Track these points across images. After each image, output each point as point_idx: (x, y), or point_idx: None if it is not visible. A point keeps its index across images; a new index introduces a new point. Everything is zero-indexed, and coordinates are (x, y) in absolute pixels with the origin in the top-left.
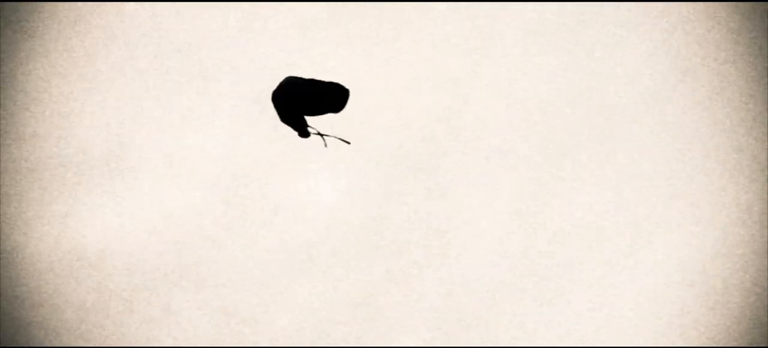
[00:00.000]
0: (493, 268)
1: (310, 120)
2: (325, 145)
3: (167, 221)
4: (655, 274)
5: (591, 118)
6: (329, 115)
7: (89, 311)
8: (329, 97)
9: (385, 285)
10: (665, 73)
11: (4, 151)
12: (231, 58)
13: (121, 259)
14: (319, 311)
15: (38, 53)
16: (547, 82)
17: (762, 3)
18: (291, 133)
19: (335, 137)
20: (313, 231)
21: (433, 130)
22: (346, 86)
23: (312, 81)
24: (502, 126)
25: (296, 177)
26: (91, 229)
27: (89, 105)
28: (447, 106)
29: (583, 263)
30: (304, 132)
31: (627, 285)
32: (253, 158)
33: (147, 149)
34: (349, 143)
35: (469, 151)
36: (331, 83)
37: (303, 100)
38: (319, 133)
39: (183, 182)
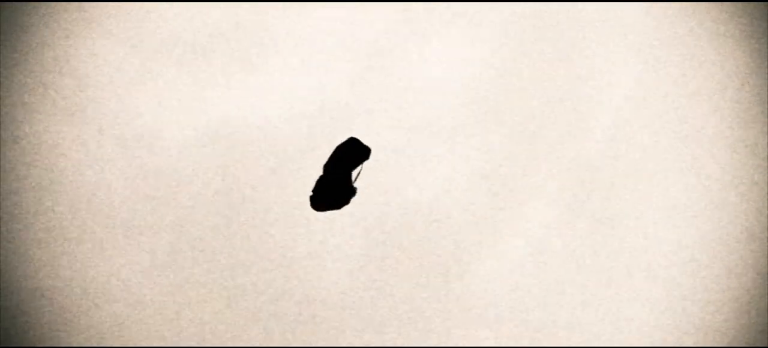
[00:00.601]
0: (617, 140)
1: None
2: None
3: (298, 99)
4: None
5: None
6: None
7: (226, 188)
8: (349, 153)
9: (514, 156)
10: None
11: (137, 34)
12: None
13: (253, 137)
14: (451, 181)
15: None
16: None
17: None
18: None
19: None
20: (441, 105)
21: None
22: (347, 138)
23: (326, 166)
24: None
25: (424, 54)
26: (224, 109)
27: None
28: None
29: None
30: (353, 192)
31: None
32: (381, 36)
33: (277, 29)
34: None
35: (594, 25)
36: (339, 147)
37: (335, 186)
38: (358, 174)
39: (312, 61)
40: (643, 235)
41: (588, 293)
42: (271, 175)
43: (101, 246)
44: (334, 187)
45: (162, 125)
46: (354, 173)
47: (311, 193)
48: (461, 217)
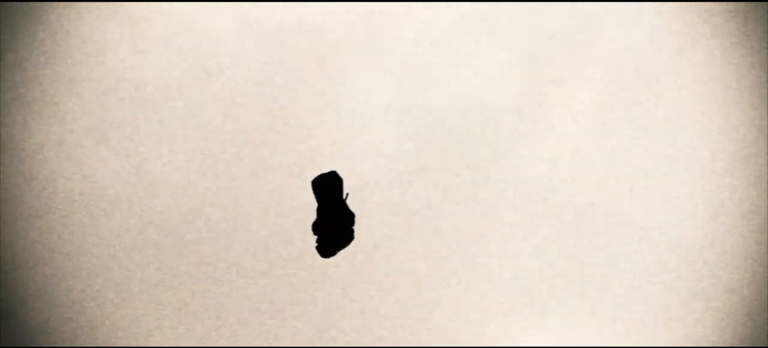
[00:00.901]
0: (662, 28)
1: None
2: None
3: None
4: None
5: None
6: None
7: (264, 85)
8: (326, 190)
9: (555, 46)
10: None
11: None
12: None
13: (296, 30)
14: (495, 69)
15: None
16: None
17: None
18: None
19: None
20: None
21: None
22: (311, 181)
23: (318, 209)
24: None
25: None
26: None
27: None
28: None
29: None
30: (352, 218)
31: None
32: None
33: None
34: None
35: None
36: (316, 192)
37: (334, 222)
38: (346, 198)
39: None
40: (689, 128)
41: (629, 186)
42: (313, 71)
43: (139, 139)
44: (333, 225)
45: (205, 18)
46: (345, 197)
47: (316, 244)
48: (501, 109)
